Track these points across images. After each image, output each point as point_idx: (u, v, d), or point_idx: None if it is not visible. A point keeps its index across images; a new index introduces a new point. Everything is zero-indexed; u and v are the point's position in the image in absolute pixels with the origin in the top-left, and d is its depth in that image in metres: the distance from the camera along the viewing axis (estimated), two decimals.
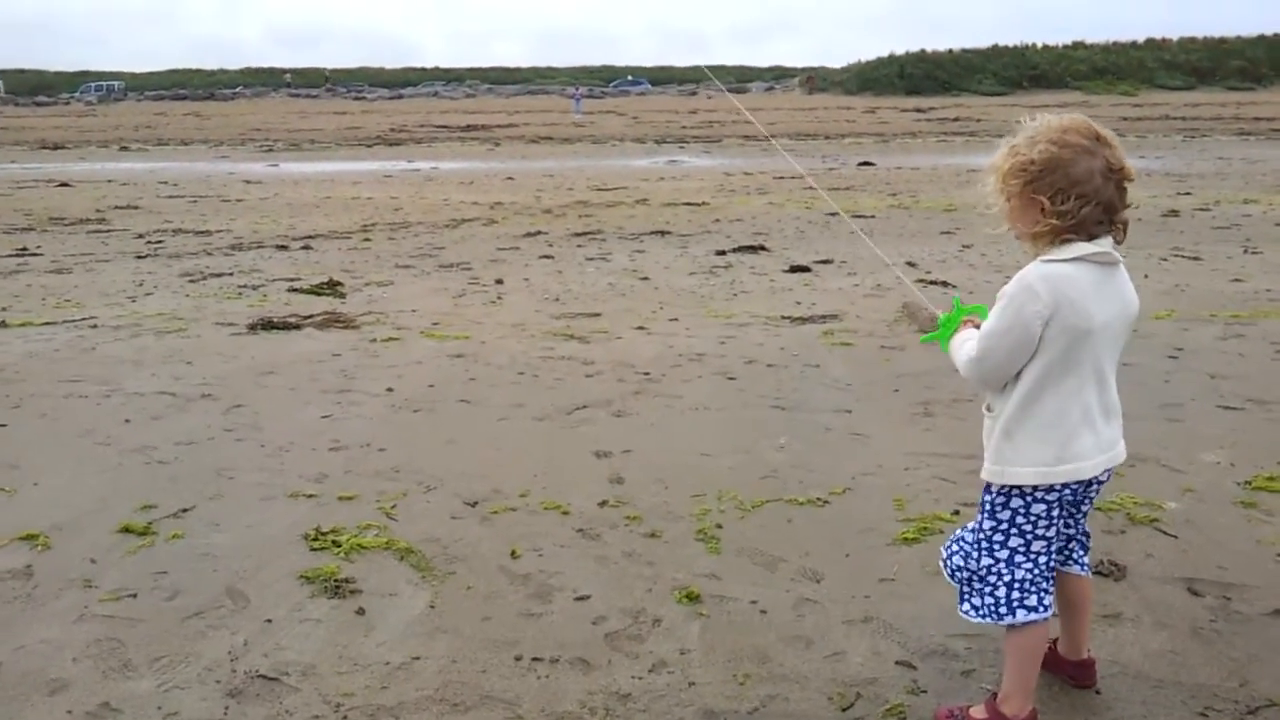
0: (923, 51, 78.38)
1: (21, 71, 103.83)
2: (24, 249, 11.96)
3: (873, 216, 13.97)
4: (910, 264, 10.15)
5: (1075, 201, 2.38)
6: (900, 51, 78.94)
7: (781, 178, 20.67)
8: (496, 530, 4.03)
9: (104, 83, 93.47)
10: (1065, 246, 2.40)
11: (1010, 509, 2.55)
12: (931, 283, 9.12)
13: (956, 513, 4.11)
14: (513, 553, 3.82)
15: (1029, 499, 2.52)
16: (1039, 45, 79.16)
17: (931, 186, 18.45)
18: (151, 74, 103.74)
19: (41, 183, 22.16)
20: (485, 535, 3.98)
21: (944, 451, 4.81)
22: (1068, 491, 2.53)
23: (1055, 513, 2.54)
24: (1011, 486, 2.52)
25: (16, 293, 9.26)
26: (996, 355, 2.44)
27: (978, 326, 2.59)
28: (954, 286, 8.93)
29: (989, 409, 2.57)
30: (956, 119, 46.98)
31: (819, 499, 4.28)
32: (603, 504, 4.25)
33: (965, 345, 2.56)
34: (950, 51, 78.44)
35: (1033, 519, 2.54)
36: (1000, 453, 2.52)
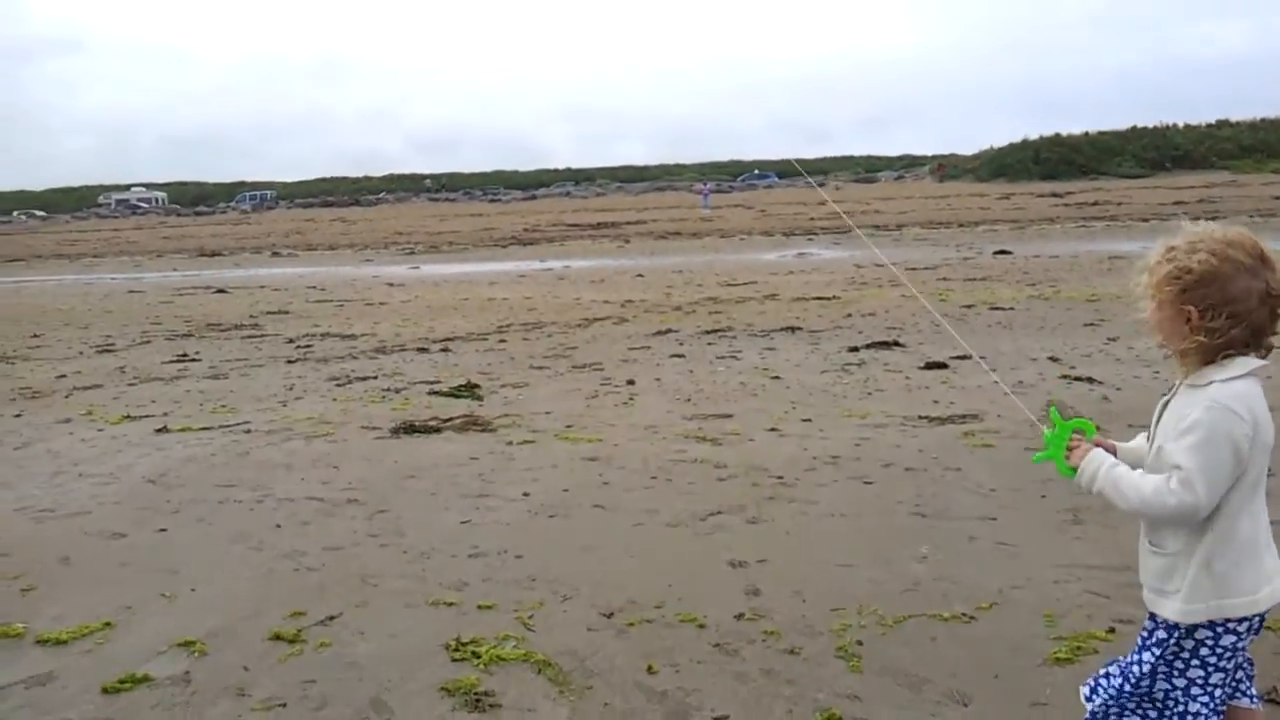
0: (1057, 135, 77.09)
1: (184, 184, 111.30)
2: (184, 355, 12.67)
3: (1011, 308, 13.65)
4: (1053, 359, 9.84)
5: (1226, 320, 2.28)
6: (1033, 136, 77.85)
7: (914, 269, 20.44)
8: (633, 643, 4.00)
9: (258, 192, 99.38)
10: (1231, 362, 2.31)
11: (1195, 639, 2.39)
12: (1077, 378, 8.82)
13: (1112, 630, 3.90)
14: (649, 668, 3.78)
15: (1219, 630, 2.37)
16: (1180, 125, 76.97)
17: (1072, 275, 17.96)
18: (301, 182, 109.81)
19: (200, 289, 23.56)
20: (622, 648, 3.96)
21: (1096, 563, 4.59)
22: (1257, 619, 2.38)
23: (1242, 643, 2.39)
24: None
25: (177, 398, 9.79)
26: (1216, 491, 2.27)
27: (1099, 447, 2.48)
28: (1100, 382, 8.61)
29: (1158, 544, 2.42)
30: (1095, 203, 45.83)
31: (965, 614, 4.13)
32: (739, 617, 4.19)
33: (1130, 480, 2.37)
34: (1086, 134, 76.92)
35: (1219, 651, 2.38)
36: (1198, 588, 2.34)
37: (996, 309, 13.65)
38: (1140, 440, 2.56)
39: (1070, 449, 2.52)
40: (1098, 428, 2.66)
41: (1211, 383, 2.31)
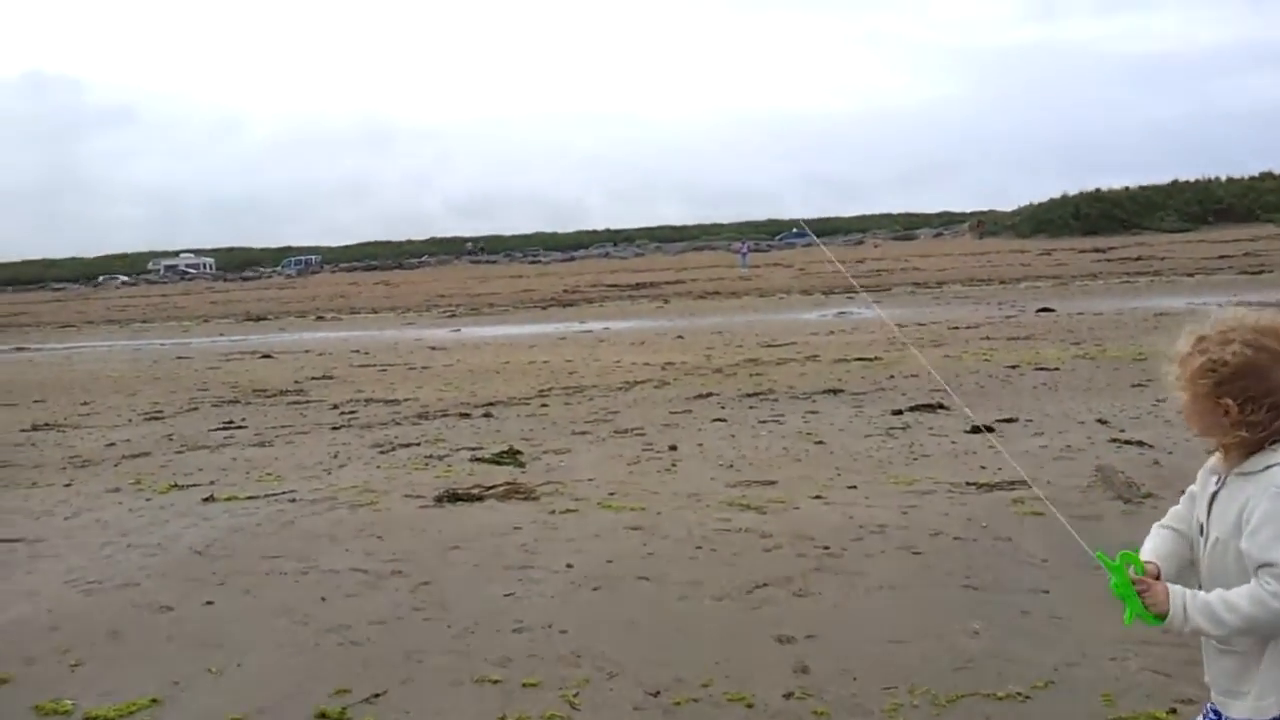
0: (1097, 190, 76.67)
1: (231, 249, 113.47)
2: (230, 422, 12.82)
3: (1056, 368, 13.50)
4: (1101, 421, 9.70)
5: (1268, 414, 2.22)
6: (1073, 191, 77.52)
7: (956, 327, 20.33)
8: None
9: (303, 257, 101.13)
10: None
11: None
12: (1127, 442, 8.67)
13: (1173, 711, 3.80)
14: None
15: None
16: (1222, 178, 76.32)
17: (1118, 333, 17.76)
18: (346, 247, 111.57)
19: (246, 354, 23.91)
20: None
21: (1154, 639, 4.45)
22: None
23: None
24: None
25: (223, 466, 9.89)
26: None
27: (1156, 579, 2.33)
28: (1150, 446, 8.46)
29: (1226, 642, 2.32)
30: (1139, 258, 45.46)
31: (1019, 693, 4.03)
32: (788, 696, 4.12)
33: (1225, 602, 2.22)
34: (1126, 189, 76.46)
35: None
36: (1273, 683, 2.24)
37: (1042, 369, 13.50)
38: (1165, 538, 2.46)
39: (1140, 593, 2.38)
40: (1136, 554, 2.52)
41: (1270, 467, 2.25)
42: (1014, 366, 13.88)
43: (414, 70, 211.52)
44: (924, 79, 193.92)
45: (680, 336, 22.44)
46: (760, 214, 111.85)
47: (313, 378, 17.68)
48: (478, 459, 9.49)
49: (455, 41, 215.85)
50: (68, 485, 9.37)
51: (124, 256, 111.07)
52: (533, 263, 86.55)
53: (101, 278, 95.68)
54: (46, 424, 13.58)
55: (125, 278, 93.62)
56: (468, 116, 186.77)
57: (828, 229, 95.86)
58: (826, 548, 6.09)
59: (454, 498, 7.91)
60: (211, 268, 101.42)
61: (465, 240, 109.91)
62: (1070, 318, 21.52)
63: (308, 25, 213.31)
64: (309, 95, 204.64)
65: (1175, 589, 2.31)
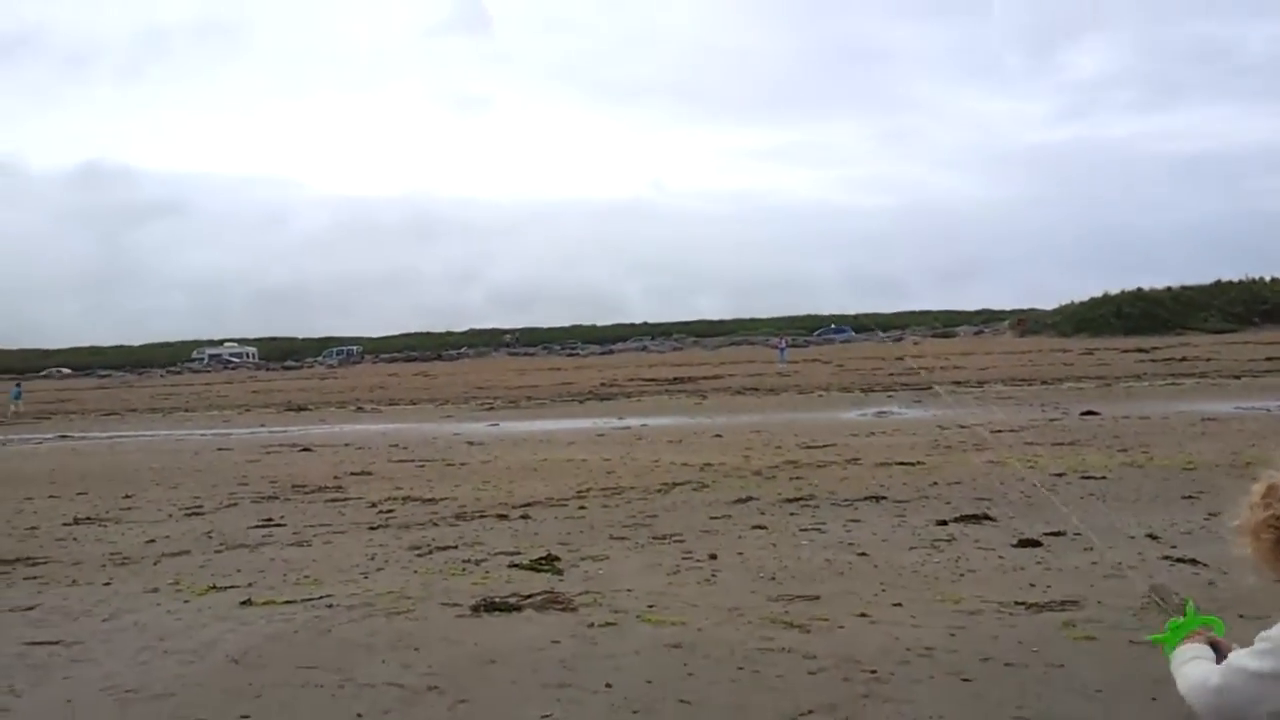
0: (1139, 290, 76.35)
1: (274, 339, 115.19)
2: (269, 519, 12.84)
3: (1104, 477, 13.25)
4: (1151, 536, 9.46)
5: None
6: (1114, 290, 77.22)
7: (999, 430, 20.09)
8: None
9: (344, 347, 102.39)
10: None
11: None
12: (1180, 560, 8.44)
13: None
14: None
15: None
16: (1267, 278, 75.74)
17: (1165, 439, 17.45)
18: (386, 337, 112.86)
19: (286, 447, 24.07)
20: None
21: None
22: None
23: None
24: None
25: (261, 567, 9.87)
26: (1239, 696, 2.22)
27: (1215, 645, 2.40)
28: (1204, 564, 8.23)
29: None
30: (1183, 359, 44.99)
31: None
32: None
33: (1197, 665, 2.35)
34: (1169, 289, 76.11)
35: None
36: None
37: (1088, 478, 13.26)
38: None
39: (1187, 638, 2.46)
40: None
41: None
42: (1060, 474, 13.64)
43: (456, 164, 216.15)
44: (960, 176, 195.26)
45: (718, 435, 22.34)
46: (798, 309, 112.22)
47: (351, 473, 17.72)
48: (515, 565, 9.40)
49: (497, 136, 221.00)
50: (107, 584, 9.38)
51: (169, 345, 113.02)
52: (570, 355, 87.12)
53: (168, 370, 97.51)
54: (88, 518, 13.68)
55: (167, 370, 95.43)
56: (508, 209, 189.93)
57: (867, 324, 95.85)
58: (873, 672, 5.93)
59: (491, 607, 7.81)
60: (254, 357, 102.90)
61: (504, 332, 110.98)
62: (1115, 421, 21.22)
63: (354, 119, 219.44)
64: (354, 188, 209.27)
65: (1200, 647, 2.41)
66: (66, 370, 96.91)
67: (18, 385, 54.89)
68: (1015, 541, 9.47)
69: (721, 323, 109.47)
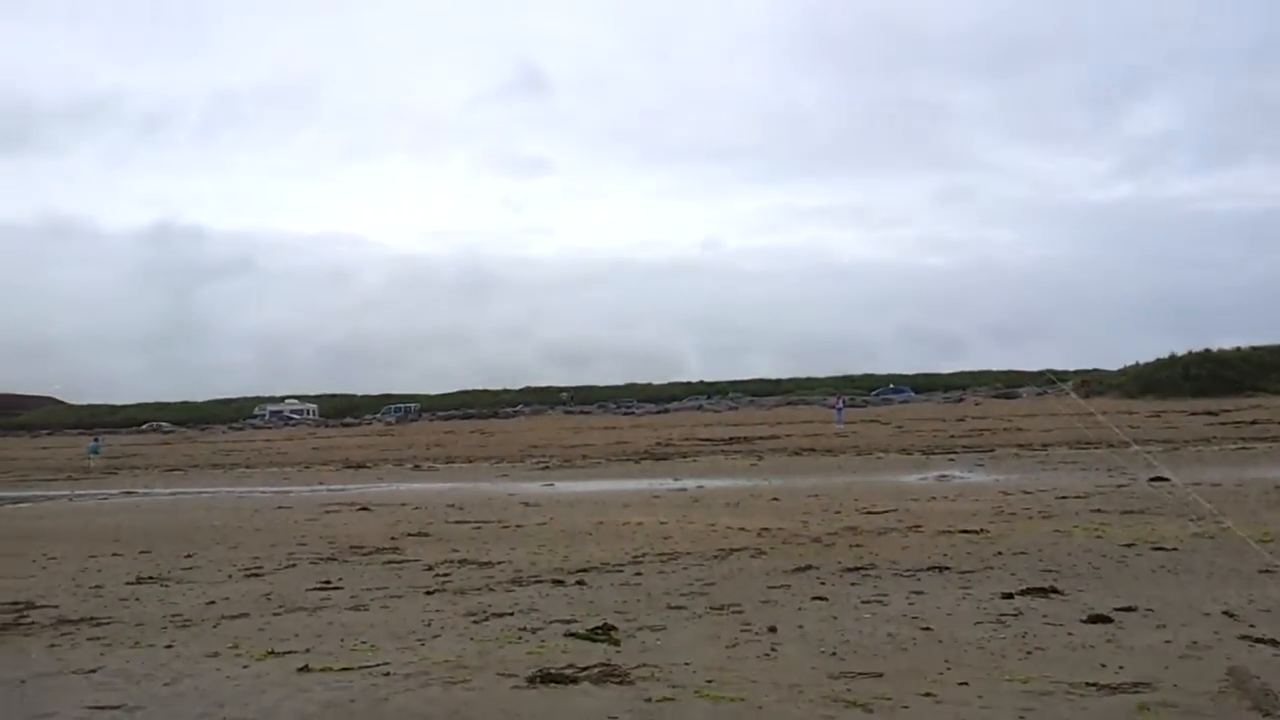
0: (1207, 351, 74.76)
1: (334, 395, 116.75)
2: (327, 582, 12.89)
3: (1175, 549, 12.85)
4: (1228, 614, 9.12)
5: None
6: (1181, 350, 75.70)
7: (1064, 497, 19.64)
8: None
9: (402, 405, 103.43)
10: None
11: None
12: (1259, 640, 8.12)
13: None
14: None
15: None
16: None
17: (1238, 508, 16.89)
18: (444, 395, 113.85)
19: (344, 506, 24.25)
20: None
21: None
22: None
23: None
24: None
25: (319, 631, 9.89)
26: None
27: None
28: None
29: None
30: (1254, 422, 43.84)
31: None
32: None
33: None
34: (1238, 349, 74.46)
35: None
36: None
37: (1159, 549, 12.87)
38: None
39: None
40: None
41: None
42: (1129, 545, 13.27)
43: (514, 222, 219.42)
44: (1019, 234, 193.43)
45: (776, 499, 22.10)
46: (855, 368, 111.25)
47: (409, 534, 17.77)
48: (572, 634, 9.31)
49: (554, 195, 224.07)
50: (168, 647, 9.44)
51: (231, 401, 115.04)
52: (626, 414, 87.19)
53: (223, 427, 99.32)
54: (151, 577, 13.84)
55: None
56: (564, 267, 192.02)
57: (926, 384, 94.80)
58: None
59: (548, 678, 7.73)
60: (314, 413, 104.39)
61: (560, 389, 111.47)
62: (1185, 488, 20.62)
63: (416, 179, 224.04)
64: (415, 246, 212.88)
65: None
66: (167, 425, 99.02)
67: (95, 440, 56.24)
68: (1085, 617, 9.18)
69: (778, 382, 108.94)
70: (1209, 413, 51.07)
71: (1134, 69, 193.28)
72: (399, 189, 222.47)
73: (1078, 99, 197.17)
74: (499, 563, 14.00)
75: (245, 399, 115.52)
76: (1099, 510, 17.49)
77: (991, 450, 36.97)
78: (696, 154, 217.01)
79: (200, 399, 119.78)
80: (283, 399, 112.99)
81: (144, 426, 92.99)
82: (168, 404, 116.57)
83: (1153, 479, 23.05)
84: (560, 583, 12.18)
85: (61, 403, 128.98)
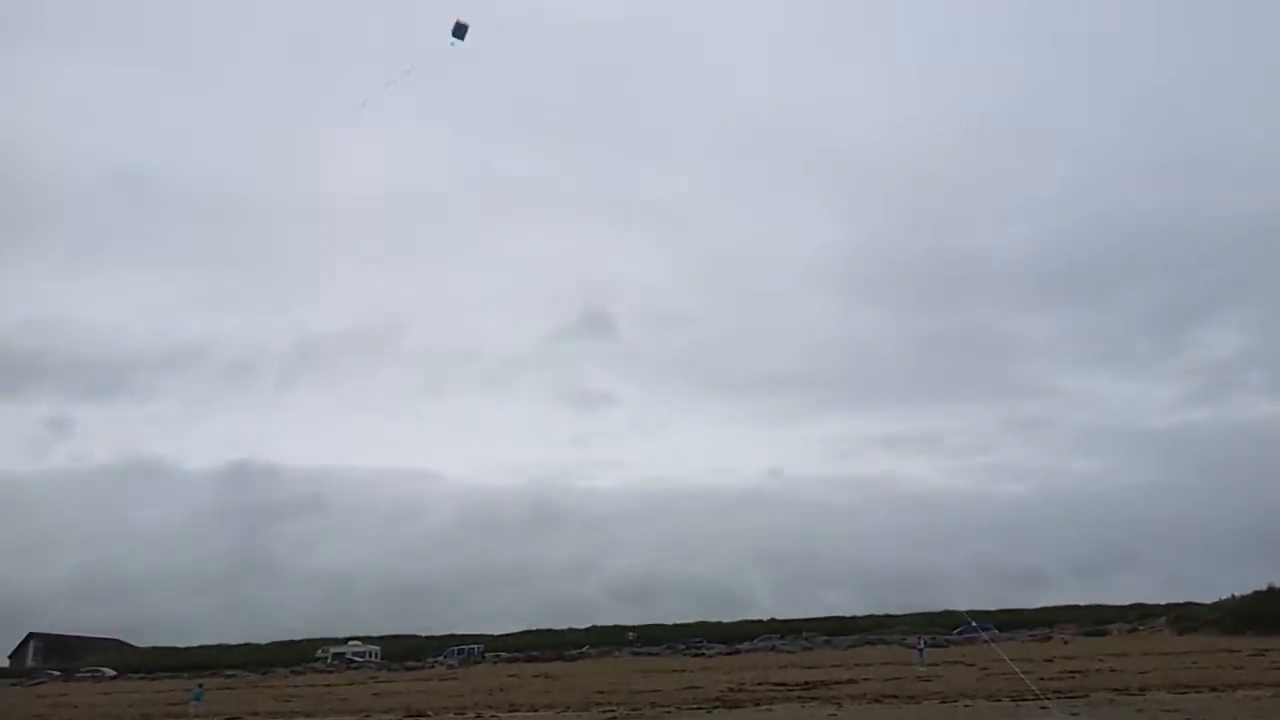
0: None
1: (397, 636, 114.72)
2: None
3: None
4: None
5: None
6: None
7: None
8: None
9: (465, 646, 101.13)
10: None
11: None
12: None
13: None
14: None
15: None
16: None
17: None
18: (507, 635, 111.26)
19: None
20: None
21: None
22: None
23: None
24: None
25: None
26: None
27: None
28: None
29: None
30: None
31: None
32: None
33: None
34: None
35: None
36: None
37: None
38: None
39: None
40: None
41: None
42: None
43: (580, 455, 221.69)
44: (1097, 461, 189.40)
45: None
46: (933, 603, 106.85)
47: None
48: None
49: (619, 428, 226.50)
50: None
51: (295, 643, 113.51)
52: (695, 655, 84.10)
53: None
54: None
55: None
56: (629, 500, 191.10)
57: (1010, 622, 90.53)
58: None
59: None
60: (377, 656, 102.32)
61: (626, 629, 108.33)
62: None
63: (486, 414, 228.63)
64: (483, 479, 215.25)
65: None
66: (229, 670, 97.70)
67: (200, 686, 55.41)
68: None
69: (854, 619, 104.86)
70: None
71: (1198, 293, 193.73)
72: (468, 424, 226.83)
73: (1144, 324, 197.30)
74: None
75: (309, 640, 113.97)
76: None
77: (1086, 695, 34.61)
78: (760, 384, 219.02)
79: (264, 640, 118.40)
80: (345, 640, 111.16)
81: (208, 672, 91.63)
82: (232, 646, 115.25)
83: None
84: None
85: (127, 644, 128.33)
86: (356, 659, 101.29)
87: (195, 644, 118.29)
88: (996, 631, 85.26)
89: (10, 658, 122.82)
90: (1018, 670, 27.38)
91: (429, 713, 43.35)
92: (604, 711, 38.99)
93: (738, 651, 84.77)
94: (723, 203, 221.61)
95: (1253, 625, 65.48)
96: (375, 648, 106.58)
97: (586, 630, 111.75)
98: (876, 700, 37.51)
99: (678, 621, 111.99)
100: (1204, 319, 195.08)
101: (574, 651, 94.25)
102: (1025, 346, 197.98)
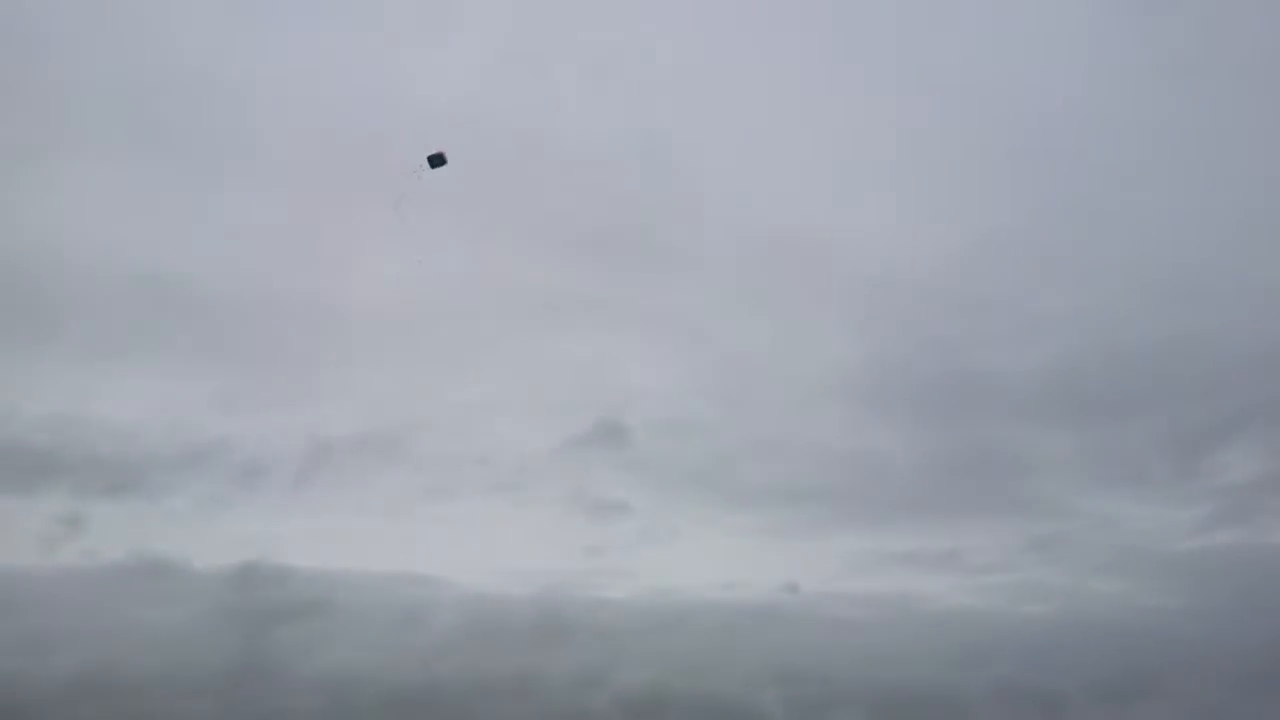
0: None
1: None
2: None
3: None
4: None
5: None
6: None
7: None
8: None
9: None
10: None
11: None
12: None
13: None
14: None
15: None
16: None
17: None
18: None
19: None
20: None
21: None
22: None
23: None
24: None
25: None
26: None
27: None
28: None
29: None
30: None
31: None
32: None
33: None
34: None
35: None
36: None
37: None
38: None
39: None
40: None
41: None
42: None
43: (590, 565, 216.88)
44: (1117, 584, 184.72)
45: None
46: None
47: None
48: None
49: (631, 538, 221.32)
50: None
51: None
52: None
53: None
54: None
55: None
56: (639, 612, 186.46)
57: None
58: None
59: None
60: None
61: None
62: None
63: (496, 520, 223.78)
64: (491, 586, 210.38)
65: None
66: None
67: None
68: None
69: None
70: None
71: (1214, 416, 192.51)
72: (479, 530, 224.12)
73: (1161, 448, 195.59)
74: None
75: None
76: None
77: None
78: (774, 497, 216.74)
79: None
80: None
81: None
82: None
83: None
84: None
85: None
86: None
87: None
88: None
89: None
90: None
91: None
92: None
93: None
94: (739, 316, 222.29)
95: None
96: None
97: None
98: None
99: None
100: (1222, 442, 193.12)
101: None
102: (1043, 465, 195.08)
